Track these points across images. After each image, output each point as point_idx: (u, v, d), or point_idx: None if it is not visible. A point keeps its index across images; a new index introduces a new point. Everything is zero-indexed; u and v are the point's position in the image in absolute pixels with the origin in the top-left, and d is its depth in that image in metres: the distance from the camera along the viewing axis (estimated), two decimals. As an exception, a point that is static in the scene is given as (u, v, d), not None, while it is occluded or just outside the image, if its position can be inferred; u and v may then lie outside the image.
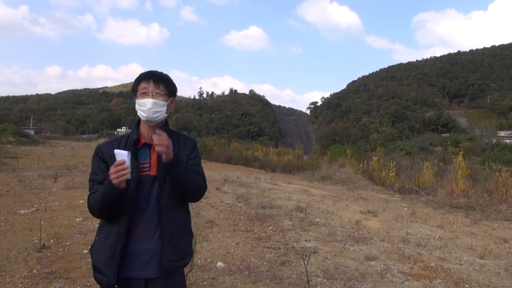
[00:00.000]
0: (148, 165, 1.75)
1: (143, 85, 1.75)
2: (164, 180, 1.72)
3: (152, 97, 1.73)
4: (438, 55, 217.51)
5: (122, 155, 1.57)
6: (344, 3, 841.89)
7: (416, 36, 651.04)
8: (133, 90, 1.80)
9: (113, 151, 1.67)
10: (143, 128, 1.80)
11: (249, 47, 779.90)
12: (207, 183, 1.89)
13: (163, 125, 1.82)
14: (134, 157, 1.72)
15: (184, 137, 1.90)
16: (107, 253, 1.68)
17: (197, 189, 1.79)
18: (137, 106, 1.75)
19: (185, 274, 1.94)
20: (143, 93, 1.74)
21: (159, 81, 1.76)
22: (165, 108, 1.77)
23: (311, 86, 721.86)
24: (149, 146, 1.78)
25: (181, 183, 1.70)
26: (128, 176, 1.56)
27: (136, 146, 1.77)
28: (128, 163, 1.56)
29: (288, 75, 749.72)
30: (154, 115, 1.73)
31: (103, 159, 1.77)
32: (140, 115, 1.75)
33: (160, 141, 1.60)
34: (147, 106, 1.71)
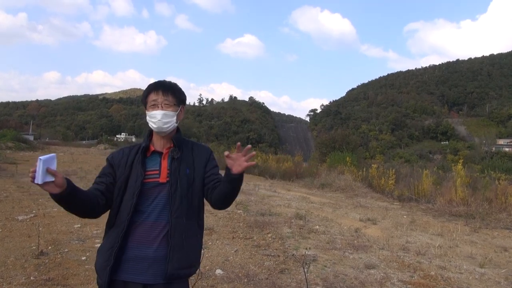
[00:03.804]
0: (157, 172, 1.78)
1: (152, 96, 1.81)
2: (175, 188, 1.74)
3: (162, 108, 1.78)
4: (435, 63, 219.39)
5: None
6: (335, 10, 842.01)
7: (408, 44, 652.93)
8: (143, 101, 1.85)
9: (123, 157, 1.81)
10: (155, 137, 1.85)
11: (245, 55, 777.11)
12: None
13: (176, 134, 1.87)
14: (142, 165, 1.77)
15: (198, 146, 1.92)
16: (104, 256, 1.72)
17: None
18: (148, 118, 1.80)
19: (193, 284, 1.95)
20: (153, 105, 1.80)
21: (167, 92, 1.81)
22: (175, 118, 1.81)
23: (307, 93, 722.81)
24: (159, 154, 1.82)
25: (234, 194, 1.76)
26: (38, 181, 1.46)
27: (145, 154, 1.83)
28: (38, 168, 1.45)
29: (284, 82, 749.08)
30: (165, 126, 1.78)
31: (112, 163, 1.84)
32: (151, 126, 1.80)
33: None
34: (157, 118, 1.76)
